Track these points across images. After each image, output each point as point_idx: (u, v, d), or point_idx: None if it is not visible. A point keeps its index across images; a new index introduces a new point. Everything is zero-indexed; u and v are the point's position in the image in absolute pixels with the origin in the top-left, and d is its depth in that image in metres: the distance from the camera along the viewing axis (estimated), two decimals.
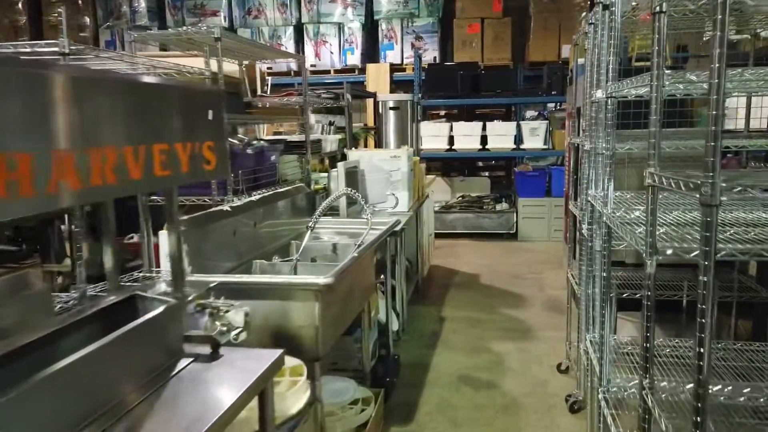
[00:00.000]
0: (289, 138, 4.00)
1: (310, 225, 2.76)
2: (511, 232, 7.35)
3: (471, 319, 4.42)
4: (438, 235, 7.16)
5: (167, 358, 1.40)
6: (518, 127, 7.27)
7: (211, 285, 1.79)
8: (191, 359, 1.43)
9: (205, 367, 1.40)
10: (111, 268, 1.45)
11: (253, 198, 2.73)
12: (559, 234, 7.10)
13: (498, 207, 7.47)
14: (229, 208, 2.47)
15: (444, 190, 7.94)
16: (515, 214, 7.33)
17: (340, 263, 2.29)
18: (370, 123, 6.77)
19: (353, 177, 3.80)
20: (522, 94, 7.45)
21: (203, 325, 1.64)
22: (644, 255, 1.51)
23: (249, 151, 2.80)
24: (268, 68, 9.10)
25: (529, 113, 9.33)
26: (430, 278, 5.50)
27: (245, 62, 3.66)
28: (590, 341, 2.50)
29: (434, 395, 3.23)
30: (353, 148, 4.45)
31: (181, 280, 1.47)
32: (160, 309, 1.37)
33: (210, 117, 1.29)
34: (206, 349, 1.47)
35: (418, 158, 4.69)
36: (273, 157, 3.17)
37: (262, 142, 3.22)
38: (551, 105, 8.99)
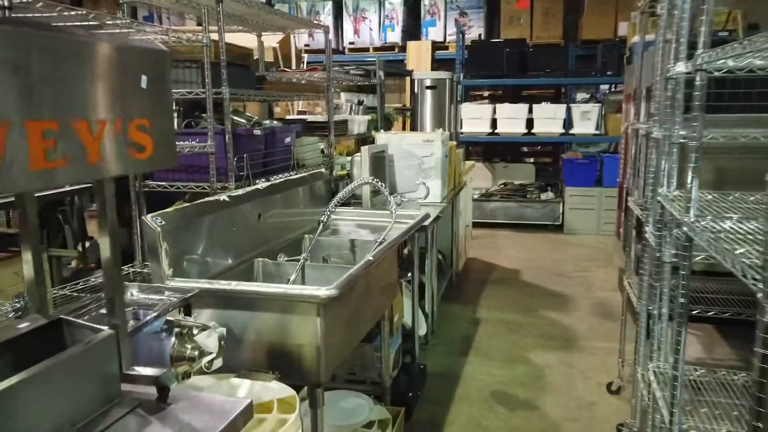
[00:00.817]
0: (309, 118, 3.63)
1: (322, 219, 2.39)
2: (557, 223, 6.83)
3: (509, 322, 3.99)
4: (477, 225, 6.72)
5: (94, 408, 1.05)
6: (568, 110, 6.70)
7: (189, 294, 1.45)
8: (128, 409, 1.09)
9: (141, 424, 1.05)
10: (32, 280, 1.11)
11: (258, 186, 2.37)
12: (609, 228, 6.54)
13: (543, 196, 6.95)
14: (227, 198, 2.12)
15: (484, 177, 7.46)
16: (561, 205, 6.80)
17: (352, 268, 1.91)
18: (408, 104, 6.34)
19: (380, 163, 3.40)
20: (573, 75, 6.86)
21: (169, 348, 1.30)
22: (760, 295, 1.06)
23: (256, 132, 2.45)
24: (305, 45, 8.79)
25: (580, 96, 8.70)
26: (465, 273, 5.08)
27: (272, 35, 3.30)
28: (654, 372, 2.05)
29: (463, 414, 2.84)
30: (384, 131, 4.05)
31: (120, 300, 1.12)
32: (82, 345, 1.02)
33: (143, 85, 0.92)
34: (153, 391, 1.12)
35: (454, 143, 4.25)
36: (287, 140, 2.80)
37: (274, 122, 2.86)
38: (604, 87, 8.35)
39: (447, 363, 3.37)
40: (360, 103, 4.35)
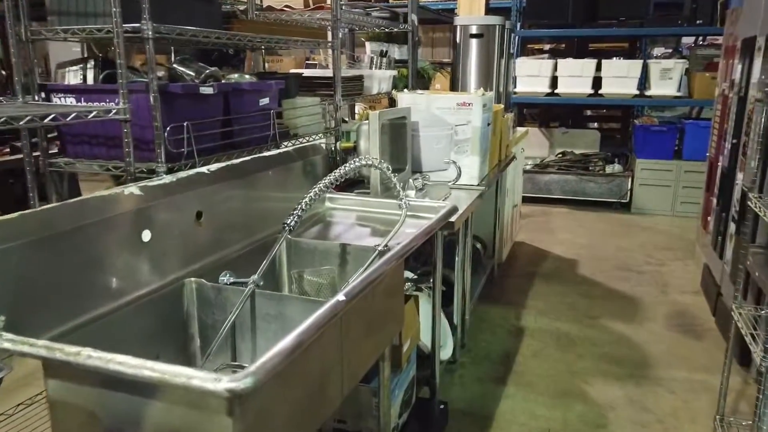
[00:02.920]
0: (307, 72, 2.85)
1: (288, 222, 1.64)
2: (623, 201, 5.85)
3: (560, 334, 3.19)
4: (528, 200, 5.84)
5: None
6: (644, 67, 5.62)
7: None
8: None
9: None
10: None
11: (203, 169, 1.64)
12: (688, 208, 5.53)
13: (608, 169, 5.96)
14: (137, 191, 1.41)
15: (540, 144, 6.50)
16: (630, 179, 5.80)
17: (316, 311, 1.17)
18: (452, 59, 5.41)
19: (398, 133, 2.60)
20: (654, 24, 5.73)
21: None
22: None
23: (205, 90, 1.70)
24: None
25: (658, 50, 7.51)
26: (510, 263, 4.26)
27: None
28: None
29: None
30: (416, 91, 3.22)
31: None
32: None
33: None
34: None
35: (501, 106, 3.38)
36: (264, 101, 2.05)
37: (247, 77, 2.10)
38: (687, 41, 7.14)
39: (477, 394, 2.62)
40: (383, 54, 3.51)
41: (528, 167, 6.09)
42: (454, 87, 4.12)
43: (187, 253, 1.55)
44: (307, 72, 2.90)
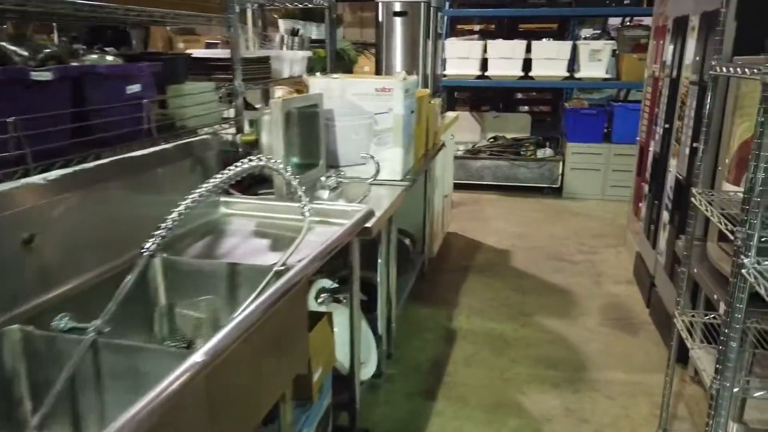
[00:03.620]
0: (197, 53, 2.47)
1: (147, 247, 1.29)
2: (555, 186, 5.76)
3: (495, 336, 2.99)
4: (461, 187, 5.65)
5: None
6: (574, 48, 5.50)
7: None
8: None
9: None
10: None
11: (34, 179, 1.27)
12: (617, 192, 5.50)
13: (539, 153, 5.85)
14: None
15: (471, 129, 6.31)
16: (561, 164, 5.71)
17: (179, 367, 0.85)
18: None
19: (309, 123, 2.28)
20: (583, 4, 5.61)
21: None
22: None
23: (38, 75, 1.31)
24: None
25: (586, 32, 7.45)
26: (442, 257, 4.04)
27: None
28: None
29: None
30: (336, 75, 2.88)
31: None
32: None
33: None
34: None
35: (427, 91, 3.10)
36: (133, 89, 1.67)
37: (110, 58, 1.71)
38: (614, 21, 7.11)
39: (405, 414, 2.37)
40: (294, 33, 3.15)
41: (459, 153, 5.90)
42: (379, 70, 3.82)
43: (8, 291, 1.18)
44: (198, 53, 2.51)
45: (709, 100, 1.95)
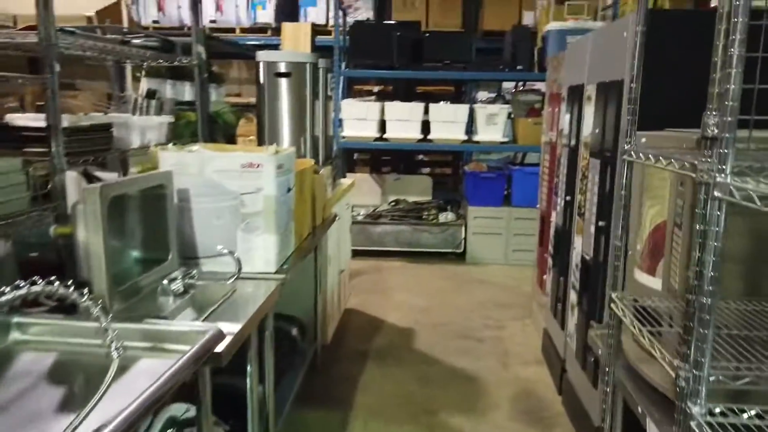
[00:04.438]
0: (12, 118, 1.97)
1: None
2: (458, 251, 5.55)
3: None
4: (362, 254, 5.30)
5: None
6: (471, 112, 5.43)
7: None
8: None
9: None
10: None
11: None
12: (520, 256, 5.37)
13: (441, 217, 5.65)
14: None
15: (372, 192, 6.04)
16: (464, 228, 5.53)
17: None
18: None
19: (157, 208, 1.82)
20: (477, 68, 5.60)
21: None
22: None
23: None
24: (154, 22, 6.94)
25: (482, 95, 7.55)
26: (338, 341, 3.60)
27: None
28: None
29: None
30: (183, 147, 2.45)
31: None
32: None
33: None
34: None
35: (311, 162, 2.74)
36: None
37: None
38: (507, 85, 7.26)
39: None
40: (151, 95, 2.70)
41: (360, 217, 5.58)
42: (261, 136, 3.43)
43: None
44: (21, 118, 2.00)
45: (623, 180, 1.72)
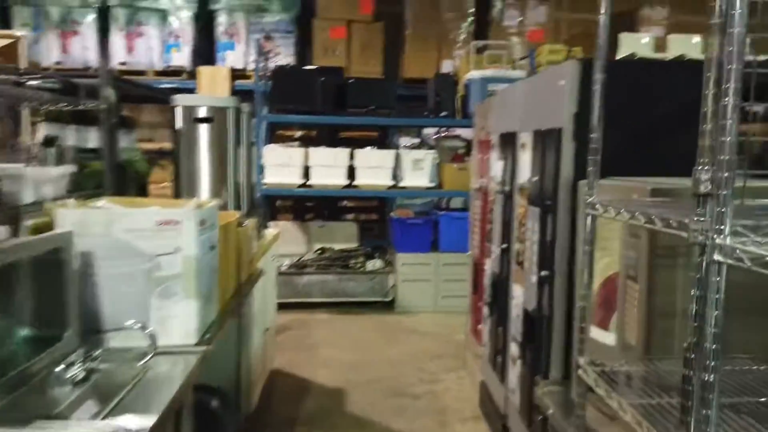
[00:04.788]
0: None
1: None
2: (387, 300, 5.39)
3: None
4: (286, 306, 5.01)
5: None
6: (397, 157, 5.39)
7: None
8: None
9: None
10: None
11: None
12: (450, 303, 5.28)
13: (369, 265, 5.49)
14: None
15: (296, 240, 5.80)
16: (392, 276, 5.39)
17: None
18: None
19: (52, 276, 1.53)
20: (402, 115, 5.59)
21: None
22: None
23: None
24: (56, 63, 6.47)
25: (405, 140, 7.59)
26: (263, 408, 3.29)
27: None
28: None
29: None
30: (87, 203, 2.15)
31: None
32: None
33: None
34: None
35: (235, 215, 2.51)
36: None
37: None
38: (428, 131, 7.34)
39: None
40: (50, 142, 2.38)
41: (284, 268, 5.31)
42: (178, 186, 3.15)
43: None
44: None
45: (586, 234, 1.63)
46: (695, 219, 0.90)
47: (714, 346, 0.89)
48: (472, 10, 7.00)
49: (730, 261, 0.83)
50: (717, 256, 0.86)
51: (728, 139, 0.83)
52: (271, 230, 3.92)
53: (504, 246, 2.91)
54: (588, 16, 8.15)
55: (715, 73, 0.86)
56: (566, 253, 2.18)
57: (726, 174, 0.84)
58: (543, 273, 2.30)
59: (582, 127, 2.15)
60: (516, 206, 2.74)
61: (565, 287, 2.19)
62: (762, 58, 1.02)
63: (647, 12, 7.50)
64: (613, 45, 6.79)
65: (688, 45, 5.51)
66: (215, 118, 3.08)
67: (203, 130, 3.15)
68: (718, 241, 0.86)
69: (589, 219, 1.48)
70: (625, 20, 7.55)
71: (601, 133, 1.50)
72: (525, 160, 2.60)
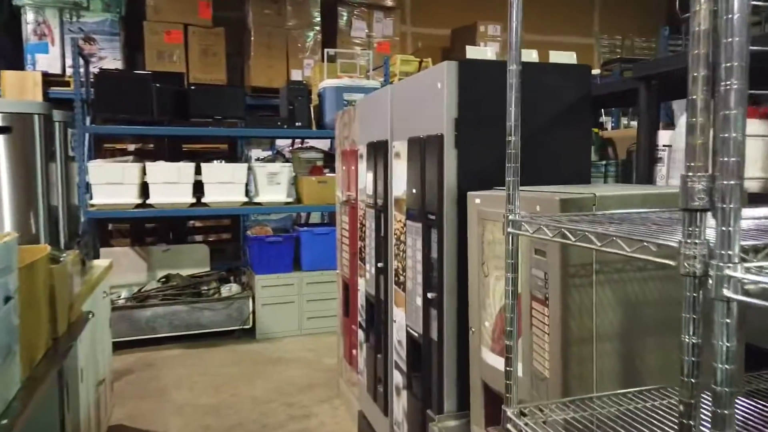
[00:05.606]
0: None
1: None
2: (246, 327, 4.90)
3: None
4: (126, 345, 4.34)
5: None
6: (251, 171, 4.94)
7: None
8: None
9: None
10: None
11: None
12: (315, 324, 4.96)
13: (224, 291, 4.95)
14: None
15: (135, 268, 5.07)
16: (251, 300, 4.91)
17: None
18: None
19: None
20: (255, 125, 5.15)
21: None
22: None
23: None
24: None
25: (255, 153, 7.12)
26: None
27: None
28: None
29: None
30: None
31: None
32: None
33: None
34: None
35: (46, 249, 1.94)
36: None
37: None
38: (281, 142, 6.96)
39: None
40: None
41: (121, 301, 4.59)
42: None
43: None
44: None
45: (510, 260, 1.40)
46: (688, 242, 0.69)
47: (726, 412, 0.67)
48: (318, 19, 6.81)
49: (742, 298, 0.62)
50: (727, 291, 0.65)
51: (734, 135, 0.63)
52: (102, 261, 3.28)
53: (379, 265, 2.65)
54: (432, 31, 8.40)
55: (704, 48, 0.65)
56: (454, 272, 1.97)
57: (733, 182, 0.63)
58: (430, 294, 2.07)
59: (464, 132, 1.97)
60: (392, 221, 2.49)
61: (455, 309, 1.98)
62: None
63: (482, 28, 7.87)
64: (462, 55, 6.95)
65: (528, 59, 5.80)
66: (15, 127, 2.44)
67: (0, 142, 2.50)
68: (728, 271, 0.65)
69: (511, 240, 1.25)
70: (466, 35, 7.87)
71: (518, 137, 1.28)
72: (400, 170, 2.37)
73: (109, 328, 3.31)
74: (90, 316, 2.59)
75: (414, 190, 2.20)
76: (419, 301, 2.17)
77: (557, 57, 6.09)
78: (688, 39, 0.64)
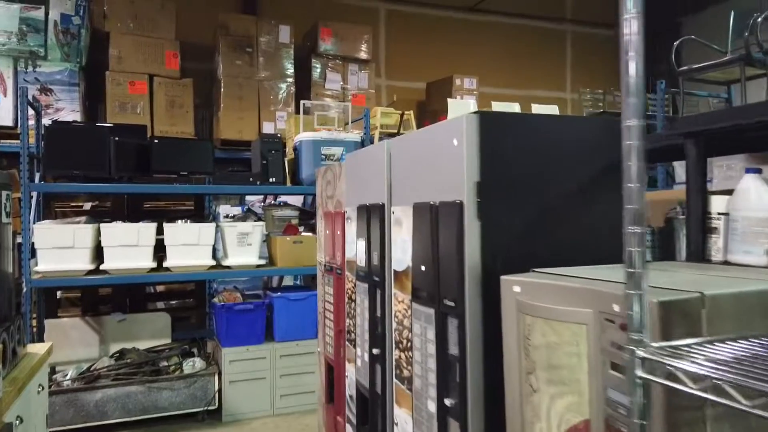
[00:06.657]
0: None
1: None
2: (211, 408, 4.33)
3: None
4: None
5: None
6: (218, 231, 4.49)
7: None
8: None
9: None
10: None
11: None
12: (290, 403, 4.44)
13: (187, 367, 4.40)
14: None
15: (85, 342, 4.49)
16: (217, 377, 4.37)
17: None
18: None
19: None
20: (225, 181, 4.74)
21: None
22: None
23: None
24: None
25: (224, 210, 6.67)
26: None
27: None
28: None
29: None
30: None
31: None
32: None
33: None
34: None
35: None
36: None
37: None
38: (251, 198, 6.55)
39: None
40: None
41: (66, 383, 4.00)
42: None
43: None
44: None
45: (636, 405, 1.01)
46: None
47: None
48: (291, 70, 6.58)
49: None
50: None
51: None
52: (40, 346, 2.75)
53: (375, 352, 2.22)
54: (407, 84, 8.26)
55: None
56: (480, 376, 1.57)
57: None
58: (448, 401, 1.65)
59: (489, 200, 1.61)
60: (392, 300, 2.09)
61: (483, 423, 1.57)
62: None
63: (458, 81, 7.77)
64: (439, 108, 6.73)
65: (511, 110, 5.62)
66: None
67: None
68: None
69: (639, 391, 0.84)
70: (441, 88, 7.74)
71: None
72: (401, 241, 1.99)
73: (46, 428, 2.75)
74: (17, 423, 2.08)
75: (423, 267, 1.81)
76: (432, 407, 1.75)
77: (540, 111, 5.93)
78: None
